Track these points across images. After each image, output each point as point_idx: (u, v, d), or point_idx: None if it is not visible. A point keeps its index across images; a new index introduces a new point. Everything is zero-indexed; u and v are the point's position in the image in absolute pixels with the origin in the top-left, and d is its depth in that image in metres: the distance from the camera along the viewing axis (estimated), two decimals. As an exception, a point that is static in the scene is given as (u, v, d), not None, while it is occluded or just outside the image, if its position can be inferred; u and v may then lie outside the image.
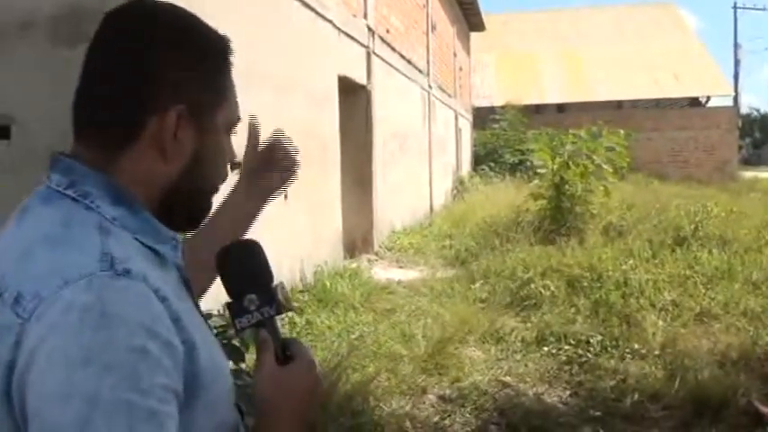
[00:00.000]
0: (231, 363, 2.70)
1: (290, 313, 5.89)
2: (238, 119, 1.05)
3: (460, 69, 21.23)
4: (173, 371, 0.80)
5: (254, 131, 1.35)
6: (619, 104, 26.98)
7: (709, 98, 27.37)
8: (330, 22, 7.93)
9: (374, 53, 9.84)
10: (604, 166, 9.84)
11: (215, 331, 2.40)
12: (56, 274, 0.79)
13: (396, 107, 11.57)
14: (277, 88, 6.34)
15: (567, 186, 9.69)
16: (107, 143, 0.93)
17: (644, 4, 32.08)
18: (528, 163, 16.04)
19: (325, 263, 7.51)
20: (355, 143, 9.41)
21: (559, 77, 26.92)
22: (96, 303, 0.77)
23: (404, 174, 12.21)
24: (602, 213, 10.08)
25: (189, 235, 1.27)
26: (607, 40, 28.43)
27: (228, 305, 0.99)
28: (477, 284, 7.33)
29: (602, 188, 9.94)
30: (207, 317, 2.18)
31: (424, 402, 4.45)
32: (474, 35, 24.13)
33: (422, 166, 14.19)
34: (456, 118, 19.71)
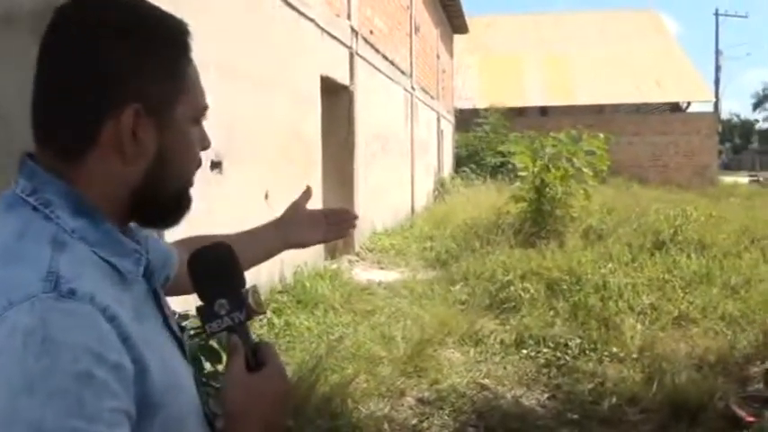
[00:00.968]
0: (208, 364, 2.66)
1: (268, 314, 5.86)
2: (205, 107, 0.99)
3: (443, 71, 21.27)
4: (122, 392, 0.77)
5: (307, 193, 1.52)
6: (600, 109, 27.14)
7: (689, 103, 27.63)
8: (313, 21, 7.90)
9: (357, 54, 9.82)
10: (584, 170, 9.88)
11: (192, 332, 2.37)
12: (2, 294, 0.77)
13: (378, 108, 11.56)
14: (259, 87, 6.31)
15: (547, 189, 9.72)
16: (64, 148, 0.89)
17: (626, 10, 32.36)
18: (509, 165, 16.08)
19: (306, 263, 7.47)
20: (337, 143, 9.39)
21: (542, 81, 27.05)
22: (39, 327, 0.74)
23: (386, 175, 12.20)
24: (583, 216, 10.13)
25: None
26: (590, 45, 28.59)
27: (199, 309, 0.97)
28: (457, 286, 7.34)
29: (582, 191, 9.98)
30: (184, 317, 2.14)
31: (403, 405, 4.44)
32: (457, 37, 24.19)
33: (404, 168, 14.19)
34: (438, 120, 19.75)
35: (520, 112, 25.72)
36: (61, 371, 0.73)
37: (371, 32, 10.96)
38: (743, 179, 31.83)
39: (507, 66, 27.62)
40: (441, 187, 18.61)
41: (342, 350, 5.13)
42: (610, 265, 7.49)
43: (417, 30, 15.73)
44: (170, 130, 0.92)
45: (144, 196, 0.92)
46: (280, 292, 6.66)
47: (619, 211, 11.09)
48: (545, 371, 5.15)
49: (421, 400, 4.53)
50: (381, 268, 9.14)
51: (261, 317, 5.75)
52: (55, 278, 0.78)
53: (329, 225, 1.50)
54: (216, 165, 5.32)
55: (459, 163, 22.70)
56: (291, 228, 1.47)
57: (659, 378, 4.74)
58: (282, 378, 0.99)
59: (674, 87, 26.13)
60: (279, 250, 1.50)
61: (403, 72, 13.88)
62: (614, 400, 4.56)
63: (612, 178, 18.08)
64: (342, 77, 9.27)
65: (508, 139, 16.88)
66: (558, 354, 5.41)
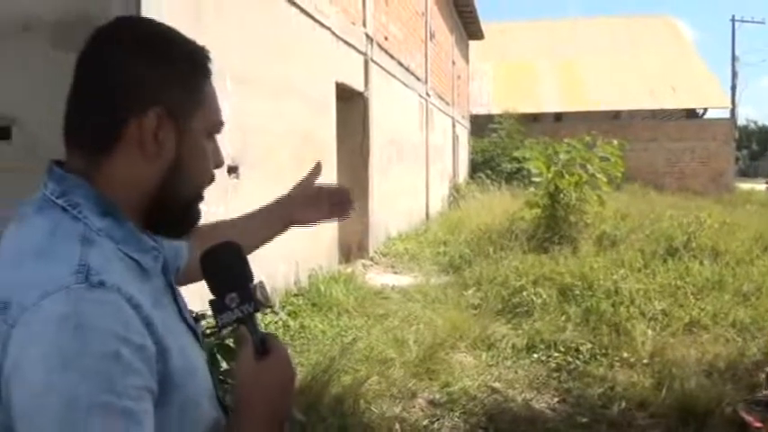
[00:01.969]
0: (224, 363, 2.76)
1: (284, 317, 5.96)
2: (220, 123, 1.09)
3: (459, 77, 21.34)
4: (146, 371, 0.87)
5: (317, 169, 1.56)
6: (616, 115, 27.10)
7: (706, 110, 27.49)
8: (329, 29, 8.01)
9: (372, 60, 9.93)
10: (598, 176, 9.91)
11: (207, 331, 2.47)
12: (38, 286, 0.85)
13: (393, 114, 11.65)
14: (275, 94, 6.42)
15: (561, 195, 9.76)
16: (91, 148, 0.99)
17: (642, 16, 32.29)
18: (524, 171, 16.10)
19: (320, 267, 7.57)
20: (352, 149, 9.49)
21: (557, 87, 27.04)
22: (72, 314, 0.83)
23: (400, 180, 12.28)
24: (597, 223, 10.16)
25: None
26: (604, 51, 28.56)
27: (211, 303, 1.06)
28: (470, 291, 7.41)
29: (596, 197, 10.00)
30: (201, 317, 2.24)
31: (414, 406, 4.51)
32: (473, 43, 24.26)
33: (419, 173, 14.26)
34: (453, 125, 19.81)
35: (535, 118, 25.74)
36: (92, 352, 0.82)
37: (386, 39, 11.06)
38: (760, 186, 31.56)
39: (522, 72, 27.64)
40: (456, 192, 18.64)
41: (355, 352, 5.21)
42: (622, 271, 7.52)
43: (432, 36, 15.82)
44: (187, 138, 1.02)
45: (158, 201, 1.02)
46: (295, 295, 6.76)
47: (633, 217, 11.10)
48: (556, 375, 5.20)
49: (432, 402, 4.60)
50: (395, 273, 9.22)
51: (276, 319, 5.86)
52: (86, 271, 0.88)
53: (332, 205, 1.55)
54: (233, 169, 5.43)
55: (474, 168, 22.73)
56: (296, 206, 1.53)
57: (669, 383, 4.78)
58: (287, 365, 1.07)
59: (690, 93, 26.01)
60: (283, 228, 1.55)
61: (418, 78, 13.97)
62: (624, 404, 4.59)
63: (628, 185, 18.05)
64: (357, 84, 9.38)
65: (523, 145, 16.95)
66: (569, 358, 5.46)
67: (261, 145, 6.04)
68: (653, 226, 10.04)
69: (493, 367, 5.31)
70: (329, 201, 1.55)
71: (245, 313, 1.05)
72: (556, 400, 4.78)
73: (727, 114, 28.25)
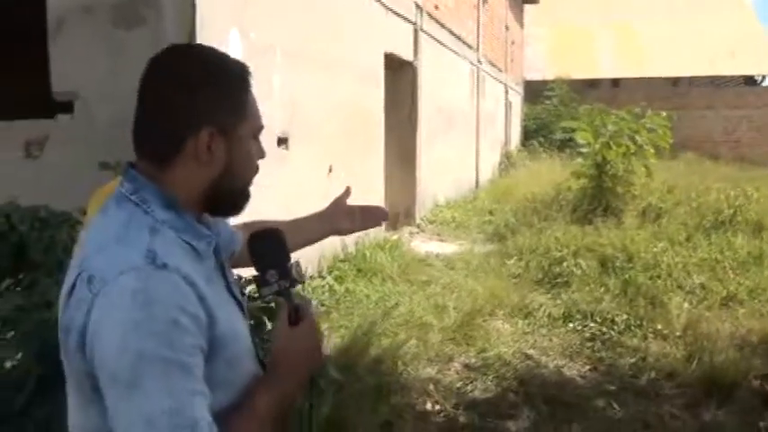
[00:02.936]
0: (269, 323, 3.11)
1: (330, 281, 6.26)
2: (261, 127, 1.35)
3: (512, 43, 21.12)
4: (198, 334, 1.13)
5: (347, 192, 1.84)
6: (675, 81, 26.48)
7: (765, 77, 26.60)
8: (378, 0, 8.14)
9: (422, 30, 10.02)
10: (646, 147, 9.86)
11: (255, 295, 2.78)
12: (116, 265, 1.11)
13: (443, 83, 11.74)
14: (324, 66, 6.61)
15: (608, 166, 9.76)
16: (158, 157, 1.24)
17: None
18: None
19: (367, 234, 7.81)
20: (400, 119, 9.65)
21: (613, 52, 26.50)
22: (142, 288, 1.08)
23: (450, 148, 12.40)
24: (644, 194, 10.12)
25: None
26: (662, 16, 27.76)
27: (255, 278, 1.33)
28: (512, 260, 7.56)
29: (643, 169, 9.97)
30: (249, 282, 2.56)
31: (450, 369, 4.76)
32: (527, 8, 23.93)
33: (469, 141, 14.34)
34: (506, 92, 19.71)
35: (591, 84, 25.33)
36: (157, 318, 1.08)
37: (437, 7, 11.10)
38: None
39: (578, 37, 27.15)
40: (507, 160, 18.64)
41: (396, 317, 5.49)
42: (662, 244, 7.55)
43: (485, 1, 15.73)
44: (235, 146, 1.28)
45: (215, 194, 1.28)
46: (342, 260, 7.05)
47: (681, 189, 11.00)
48: (589, 344, 5.34)
49: (467, 366, 4.83)
50: (440, 240, 9.43)
51: (324, 283, 6.17)
52: (153, 255, 1.14)
53: (363, 218, 1.84)
54: (282, 141, 5.69)
55: (527, 136, 22.58)
56: (332, 219, 1.82)
57: (699, 356, 4.89)
58: (315, 331, 1.33)
59: (749, 60, 25.13)
60: (319, 238, 1.85)
61: (469, 46, 13.97)
62: (653, 374, 4.74)
63: (682, 154, 17.77)
64: (406, 54, 9.51)
65: (578, 113, 16.76)
66: (604, 329, 5.58)
67: (309, 116, 6.27)
68: (700, 199, 9.98)
69: (528, 335, 5.50)
70: (362, 215, 1.83)
71: (282, 288, 1.30)
72: (587, 368, 4.94)
73: (787, 82, 27.32)
